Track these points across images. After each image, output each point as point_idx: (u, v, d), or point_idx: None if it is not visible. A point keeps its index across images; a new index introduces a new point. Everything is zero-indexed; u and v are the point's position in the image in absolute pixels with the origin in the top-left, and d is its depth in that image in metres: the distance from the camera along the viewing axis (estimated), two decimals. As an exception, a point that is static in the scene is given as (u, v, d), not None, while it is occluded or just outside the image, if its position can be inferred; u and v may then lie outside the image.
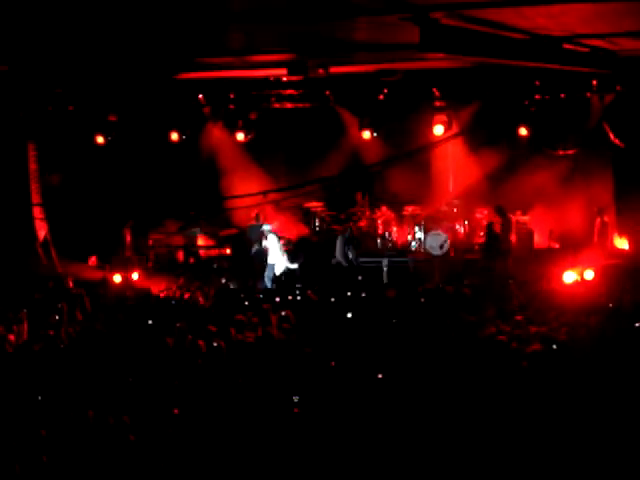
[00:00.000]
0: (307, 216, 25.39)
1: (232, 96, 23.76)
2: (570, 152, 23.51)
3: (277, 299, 18.50)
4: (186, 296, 19.17)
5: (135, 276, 22.09)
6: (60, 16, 14.62)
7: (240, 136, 24.36)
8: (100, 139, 23.55)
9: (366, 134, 23.84)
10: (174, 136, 23.90)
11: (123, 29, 16.10)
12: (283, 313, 16.16)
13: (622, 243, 22.00)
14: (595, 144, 22.78)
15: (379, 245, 24.55)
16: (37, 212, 22.92)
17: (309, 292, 18.91)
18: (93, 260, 23.21)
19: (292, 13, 14.98)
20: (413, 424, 9.95)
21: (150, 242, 24.71)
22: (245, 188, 23.62)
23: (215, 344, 13.17)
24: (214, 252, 24.20)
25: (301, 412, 10.58)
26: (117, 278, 21.61)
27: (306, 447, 9.53)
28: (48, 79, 20.58)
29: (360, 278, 21.37)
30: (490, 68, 20.40)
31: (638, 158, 21.39)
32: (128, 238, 24.22)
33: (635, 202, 21.76)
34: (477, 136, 23.78)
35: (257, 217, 23.59)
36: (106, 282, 21.58)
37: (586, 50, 18.06)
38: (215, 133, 25.30)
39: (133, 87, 21.94)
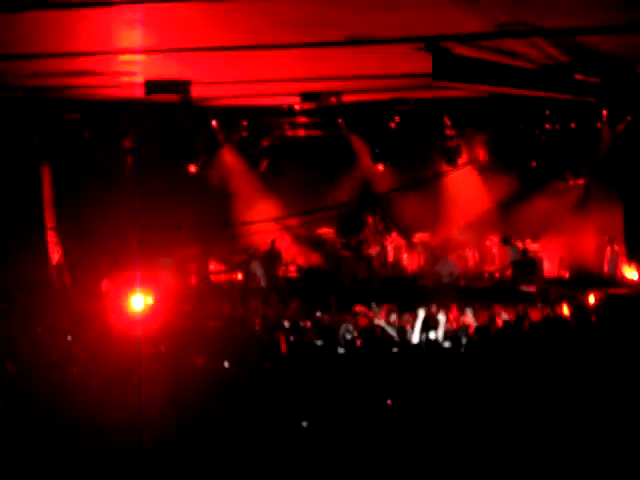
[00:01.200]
0: (318, 243, 25.55)
1: (245, 123, 23.99)
2: (580, 181, 23.68)
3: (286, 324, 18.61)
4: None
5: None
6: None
7: (261, 167, 24.67)
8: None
9: (380, 167, 24.15)
10: (192, 169, 24.09)
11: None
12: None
13: (631, 273, 22.06)
14: (606, 173, 22.90)
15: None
16: (51, 236, 23.07)
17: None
18: (106, 283, 23.32)
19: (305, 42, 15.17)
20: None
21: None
22: (257, 214, 23.83)
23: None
24: (224, 277, 24.28)
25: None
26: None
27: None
28: (64, 105, 20.81)
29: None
30: (501, 97, 20.57)
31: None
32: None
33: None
34: (488, 164, 23.95)
35: (272, 244, 23.90)
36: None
37: (596, 80, 18.21)
38: (228, 160, 25.52)
39: (148, 113, 22.15)
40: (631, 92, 19.14)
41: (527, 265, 22.66)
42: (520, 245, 23.49)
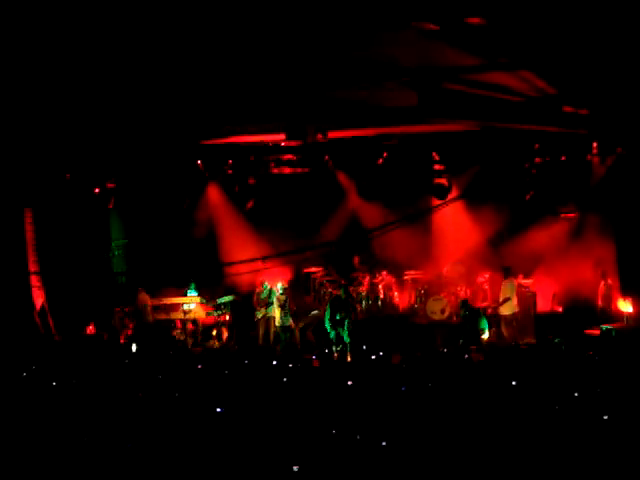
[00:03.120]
0: (307, 282, 25.24)
1: (230, 162, 23.71)
2: (572, 215, 23.46)
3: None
4: None
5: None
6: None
7: (247, 205, 24.32)
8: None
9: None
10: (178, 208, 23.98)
11: (121, 98, 16.11)
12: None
13: (626, 306, 21.78)
14: (597, 206, 22.70)
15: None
16: (34, 280, 22.75)
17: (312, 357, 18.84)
18: (91, 328, 23.02)
19: (291, 80, 15.00)
20: None
21: (149, 308, 24.45)
22: (244, 253, 23.53)
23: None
24: (211, 319, 23.91)
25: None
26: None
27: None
28: (43, 147, 20.54)
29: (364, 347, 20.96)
30: (490, 131, 20.39)
31: (639, 220, 21.31)
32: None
33: (637, 264, 21.62)
34: (477, 199, 23.70)
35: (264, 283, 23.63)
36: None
37: (585, 112, 18.06)
38: (214, 199, 25.28)
39: (130, 154, 21.94)
40: (621, 124, 18.99)
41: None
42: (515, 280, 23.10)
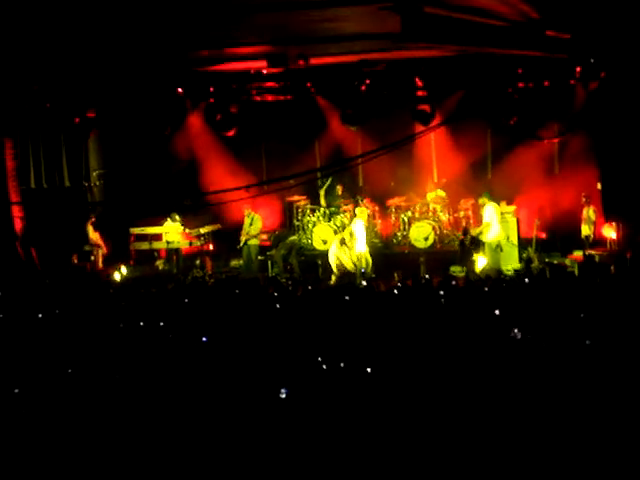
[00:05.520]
0: (290, 210, 25.20)
1: (212, 90, 23.43)
2: (555, 140, 23.41)
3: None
4: None
5: (124, 270, 22.29)
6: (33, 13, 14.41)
7: (229, 134, 24.01)
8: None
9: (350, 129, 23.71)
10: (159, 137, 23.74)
11: (101, 23, 15.87)
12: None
13: (609, 231, 21.81)
14: (580, 131, 22.62)
15: None
16: (15, 210, 22.59)
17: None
18: (75, 258, 22.97)
19: (272, 3, 14.79)
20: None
21: (132, 238, 24.39)
22: (227, 182, 23.39)
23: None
24: (195, 248, 23.83)
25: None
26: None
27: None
28: (23, 75, 20.26)
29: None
30: (473, 56, 20.20)
31: (622, 145, 21.21)
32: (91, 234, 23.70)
33: (620, 189, 21.59)
34: (460, 126, 23.58)
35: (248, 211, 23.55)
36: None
37: (568, 37, 17.92)
38: (196, 127, 25.07)
39: (112, 82, 21.67)
40: (604, 48, 18.86)
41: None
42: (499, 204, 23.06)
